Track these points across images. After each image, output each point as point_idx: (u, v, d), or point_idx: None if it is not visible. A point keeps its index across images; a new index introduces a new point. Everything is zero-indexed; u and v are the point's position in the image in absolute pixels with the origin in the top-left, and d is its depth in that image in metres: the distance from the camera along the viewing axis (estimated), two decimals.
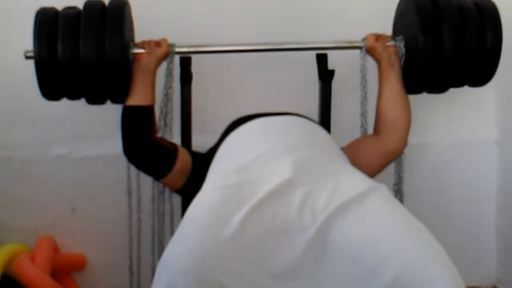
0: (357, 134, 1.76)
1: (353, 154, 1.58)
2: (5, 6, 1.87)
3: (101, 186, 2.03)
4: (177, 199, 1.76)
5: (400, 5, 1.74)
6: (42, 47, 1.53)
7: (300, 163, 1.28)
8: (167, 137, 1.70)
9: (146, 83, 1.62)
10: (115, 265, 1.97)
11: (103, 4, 1.61)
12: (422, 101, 2.08)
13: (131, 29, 1.70)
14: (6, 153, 1.99)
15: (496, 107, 2.12)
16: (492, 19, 1.61)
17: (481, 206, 2.16)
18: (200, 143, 1.72)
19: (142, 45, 1.65)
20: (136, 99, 1.61)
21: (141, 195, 1.80)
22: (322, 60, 1.85)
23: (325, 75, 1.83)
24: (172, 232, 1.52)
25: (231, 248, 1.06)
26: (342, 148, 1.61)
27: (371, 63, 1.71)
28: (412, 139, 2.03)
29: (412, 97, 1.91)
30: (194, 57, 1.78)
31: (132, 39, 1.70)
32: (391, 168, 1.77)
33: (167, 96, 1.70)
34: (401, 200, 1.76)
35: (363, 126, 1.75)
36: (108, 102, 1.94)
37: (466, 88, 2.08)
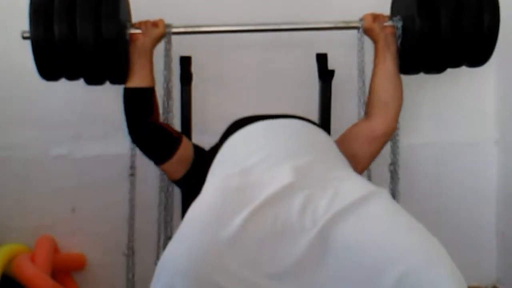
0: None
1: (346, 146, 1.59)
2: None
3: (101, 186, 2.03)
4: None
5: None
6: (38, 27, 1.53)
7: (301, 168, 1.28)
8: None
9: (143, 65, 1.62)
10: (115, 265, 1.97)
11: None
12: (422, 101, 2.09)
13: (128, 10, 1.69)
14: (6, 153, 1.99)
15: (496, 107, 2.11)
16: (490, 0, 1.60)
17: (481, 206, 2.16)
18: (200, 142, 1.71)
19: (138, 25, 1.64)
20: (135, 81, 1.61)
21: (142, 194, 1.80)
22: (322, 60, 1.85)
23: (325, 75, 1.83)
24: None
25: (230, 249, 1.06)
26: (335, 141, 1.62)
27: (368, 55, 1.70)
28: (412, 139, 2.05)
29: (412, 97, 1.91)
30: (194, 57, 1.78)
31: (129, 19, 1.69)
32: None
33: (167, 89, 1.70)
34: (397, 200, 1.75)
35: (360, 107, 1.74)
36: (108, 102, 1.96)
37: (466, 88, 2.11)
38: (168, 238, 1.75)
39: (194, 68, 1.78)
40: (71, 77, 1.64)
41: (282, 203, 1.16)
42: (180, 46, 1.78)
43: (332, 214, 1.13)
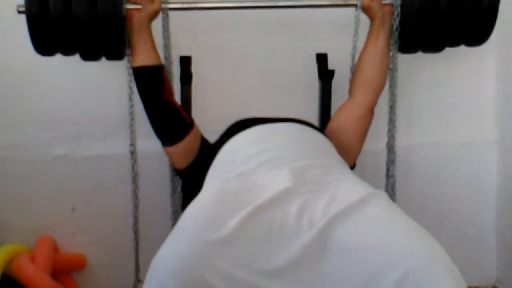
0: None
1: (335, 134, 1.63)
2: None
3: (101, 186, 2.03)
4: None
5: None
6: (33, 1, 1.53)
7: (299, 173, 1.28)
8: None
9: (144, 42, 1.61)
10: (115, 265, 1.98)
11: None
12: (422, 101, 2.09)
13: None
14: (6, 153, 1.99)
15: (496, 107, 2.11)
16: None
17: (481, 206, 2.16)
18: None
19: (135, 1, 1.63)
20: (139, 59, 1.61)
21: (142, 195, 1.80)
22: (322, 60, 1.85)
23: (325, 75, 1.84)
24: None
25: (224, 250, 1.05)
26: (325, 132, 1.64)
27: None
28: (411, 139, 2.05)
29: (412, 97, 1.92)
30: (194, 57, 1.78)
31: None
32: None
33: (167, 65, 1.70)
34: (396, 201, 1.76)
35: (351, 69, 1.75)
36: (108, 102, 1.96)
37: (466, 88, 2.10)
38: None
39: (194, 68, 1.79)
40: (67, 52, 1.64)
41: (279, 207, 1.16)
42: (180, 46, 1.78)
43: (330, 217, 1.12)
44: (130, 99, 1.69)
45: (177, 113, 1.63)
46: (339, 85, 1.82)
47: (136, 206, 1.76)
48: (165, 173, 1.83)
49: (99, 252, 2.07)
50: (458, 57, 1.97)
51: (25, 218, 2.02)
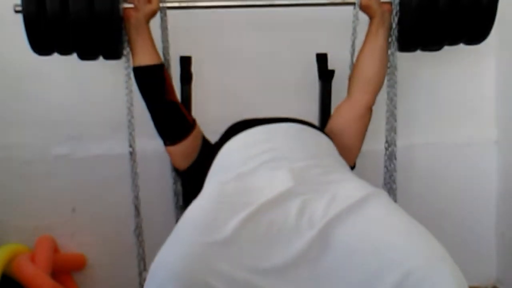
0: None
1: (334, 134, 1.63)
2: None
3: (101, 186, 2.03)
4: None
5: None
6: (30, 1, 1.52)
7: (299, 174, 1.28)
8: None
9: (143, 41, 1.61)
10: (115, 265, 1.98)
11: None
12: (422, 101, 2.09)
13: None
14: (6, 153, 1.99)
15: (496, 107, 2.11)
16: None
17: (481, 206, 2.16)
18: None
19: (132, 0, 1.62)
20: (139, 59, 1.61)
21: (142, 195, 1.80)
22: (322, 60, 1.85)
23: (325, 75, 1.84)
24: None
25: (224, 251, 1.05)
26: (325, 132, 1.63)
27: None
28: (412, 139, 2.05)
29: (412, 97, 1.91)
30: (194, 57, 1.78)
31: None
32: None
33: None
34: (394, 200, 1.75)
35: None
36: (108, 102, 1.96)
37: (466, 88, 2.10)
38: None
39: (194, 68, 1.79)
40: (64, 51, 1.63)
41: (278, 208, 1.16)
42: (180, 46, 1.78)
43: (330, 217, 1.12)
44: (128, 99, 1.68)
45: (179, 112, 1.62)
46: (339, 85, 1.82)
47: (136, 207, 1.75)
48: (167, 173, 1.83)
49: (99, 252, 2.07)
50: (458, 57, 1.97)
51: (25, 218, 2.02)
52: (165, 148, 1.66)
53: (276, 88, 2.04)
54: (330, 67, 1.84)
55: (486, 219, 2.16)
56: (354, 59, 1.73)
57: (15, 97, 1.98)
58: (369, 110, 1.69)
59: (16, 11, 1.55)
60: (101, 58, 1.66)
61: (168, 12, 1.69)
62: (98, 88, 1.99)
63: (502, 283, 2.16)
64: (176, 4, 1.69)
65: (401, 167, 1.81)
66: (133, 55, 1.62)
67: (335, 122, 1.71)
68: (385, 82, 1.73)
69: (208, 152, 1.57)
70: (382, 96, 1.74)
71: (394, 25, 1.64)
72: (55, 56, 1.66)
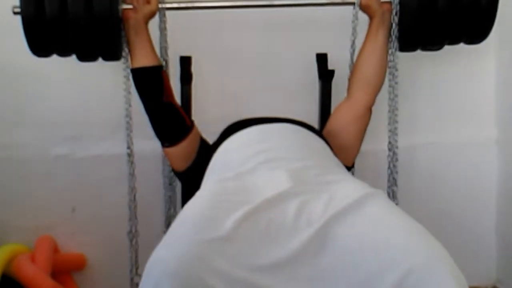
0: None
1: (333, 135, 1.63)
2: None
3: (101, 186, 2.03)
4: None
5: None
6: (29, 2, 1.52)
7: (296, 173, 1.27)
8: None
9: (141, 42, 1.61)
10: (115, 265, 1.97)
11: None
12: (422, 101, 2.09)
13: None
14: (6, 153, 1.99)
15: (496, 107, 2.11)
16: None
17: (481, 206, 2.16)
18: None
19: (130, 1, 1.62)
20: (138, 60, 1.61)
21: (142, 195, 1.80)
22: (322, 60, 1.85)
23: (325, 75, 1.84)
24: None
25: (221, 250, 1.04)
26: (324, 132, 1.63)
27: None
28: (412, 139, 2.05)
29: (412, 97, 1.91)
30: (194, 57, 1.78)
31: None
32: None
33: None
34: (396, 201, 1.75)
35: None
36: (108, 102, 1.96)
37: (466, 88, 2.10)
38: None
39: (194, 68, 1.78)
40: (63, 53, 1.64)
41: (276, 208, 1.15)
42: (180, 46, 1.78)
43: (328, 217, 1.12)
44: (127, 100, 1.68)
45: (177, 114, 1.62)
46: (339, 85, 1.82)
47: (131, 210, 1.74)
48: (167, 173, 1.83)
49: (99, 252, 2.07)
50: (458, 57, 1.97)
51: (25, 218, 2.02)
52: (163, 149, 1.66)
53: (276, 88, 2.04)
54: (330, 67, 1.84)
55: (486, 219, 2.16)
56: (354, 59, 1.73)
57: (15, 97, 1.98)
58: (368, 110, 1.69)
59: (15, 13, 1.55)
60: (100, 59, 1.66)
61: (168, 12, 1.69)
62: (98, 89, 1.99)
63: (502, 283, 2.16)
64: (175, 5, 1.69)
65: (401, 167, 1.81)
66: (131, 56, 1.62)
67: (334, 122, 1.70)
68: (386, 82, 1.72)
69: (206, 153, 1.57)
70: (383, 96, 1.74)
71: (394, 25, 1.64)
72: (55, 56, 1.66)
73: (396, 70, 1.72)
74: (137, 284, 1.74)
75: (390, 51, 1.69)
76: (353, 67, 1.71)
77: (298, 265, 1.07)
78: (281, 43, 2.00)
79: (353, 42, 1.72)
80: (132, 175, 1.73)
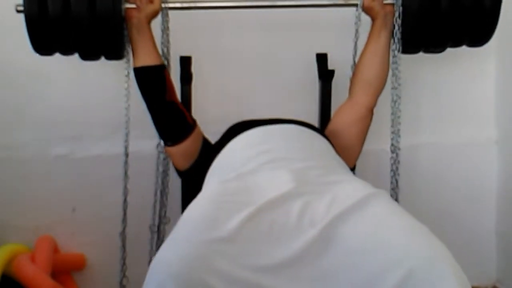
0: None
1: (335, 135, 1.62)
2: None
3: (101, 186, 2.03)
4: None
5: None
6: (32, 1, 1.52)
7: (299, 175, 1.27)
8: None
9: (144, 42, 1.61)
10: (115, 265, 1.97)
11: None
12: (422, 101, 2.09)
13: None
14: (6, 153, 1.99)
15: (496, 107, 2.12)
16: None
17: (481, 206, 2.16)
18: None
19: (134, 1, 1.62)
20: (140, 59, 1.61)
21: (139, 194, 1.80)
22: (322, 60, 1.85)
23: (325, 75, 1.84)
24: None
25: (223, 251, 1.04)
26: (325, 133, 1.63)
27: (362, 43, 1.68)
28: (412, 139, 2.05)
29: (412, 97, 1.90)
30: (194, 57, 1.78)
31: None
32: (388, 170, 1.77)
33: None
34: (397, 201, 1.75)
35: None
36: (108, 102, 1.96)
37: (466, 88, 2.11)
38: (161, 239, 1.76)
39: (194, 68, 1.78)
40: (65, 51, 1.64)
41: (279, 208, 1.15)
42: (180, 46, 1.78)
43: (331, 217, 1.12)
44: (127, 100, 1.68)
45: (180, 113, 1.62)
46: (339, 85, 1.82)
47: (125, 212, 1.75)
48: (168, 174, 1.83)
49: (99, 252, 2.07)
50: (458, 59, 1.97)
51: (25, 218, 2.02)
52: (165, 149, 1.66)
53: (276, 88, 2.04)
54: (330, 67, 1.84)
55: (486, 219, 2.16)
56: (356, 60, 1.72)
57: (15, 97, 1.98)
58: (370, 112, 1.69)
59: (18, 11, 1.55)
60: (102, 58, 1.66)
61: (169, 12, 1.69)
62: (98, 89, 1.99)
63: (502, 283, 2.16)
64: (178, 5, 1.69)
65: (402, 167, 1.81)
66: (134, 55, 1.62)
67: (336, 123, 1.70)
68: (388, 83, 1.72)
69: (208, 152, 1.57)
70: (386, 97, 1.73)
71: (396, 27, 1.64)
72: (56, 56, 1.66)
73: (399, 72, 1.71)
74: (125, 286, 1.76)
75: (392, 53, 1.68)
76: (355, 68, 1.71)
77: (300, 265, 1.07)
78: (281, 43, 2.00)
79: (356, 44, 1.72)
80: (126, 175, 1.73)
